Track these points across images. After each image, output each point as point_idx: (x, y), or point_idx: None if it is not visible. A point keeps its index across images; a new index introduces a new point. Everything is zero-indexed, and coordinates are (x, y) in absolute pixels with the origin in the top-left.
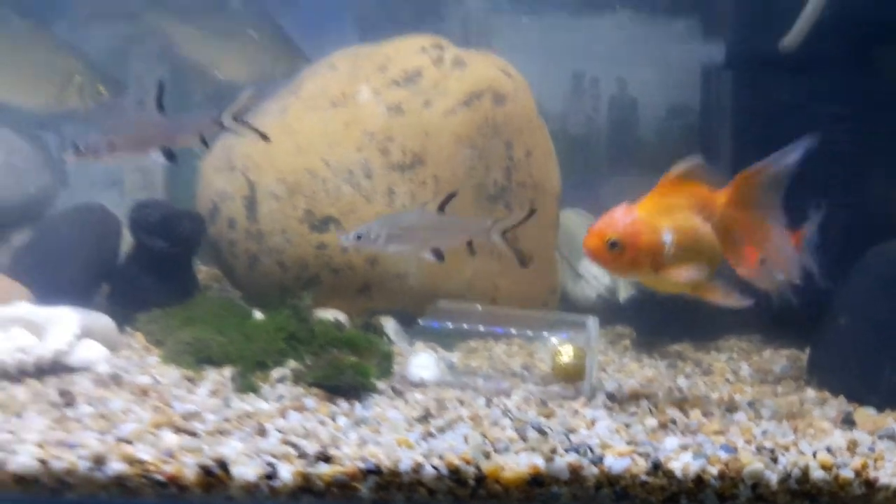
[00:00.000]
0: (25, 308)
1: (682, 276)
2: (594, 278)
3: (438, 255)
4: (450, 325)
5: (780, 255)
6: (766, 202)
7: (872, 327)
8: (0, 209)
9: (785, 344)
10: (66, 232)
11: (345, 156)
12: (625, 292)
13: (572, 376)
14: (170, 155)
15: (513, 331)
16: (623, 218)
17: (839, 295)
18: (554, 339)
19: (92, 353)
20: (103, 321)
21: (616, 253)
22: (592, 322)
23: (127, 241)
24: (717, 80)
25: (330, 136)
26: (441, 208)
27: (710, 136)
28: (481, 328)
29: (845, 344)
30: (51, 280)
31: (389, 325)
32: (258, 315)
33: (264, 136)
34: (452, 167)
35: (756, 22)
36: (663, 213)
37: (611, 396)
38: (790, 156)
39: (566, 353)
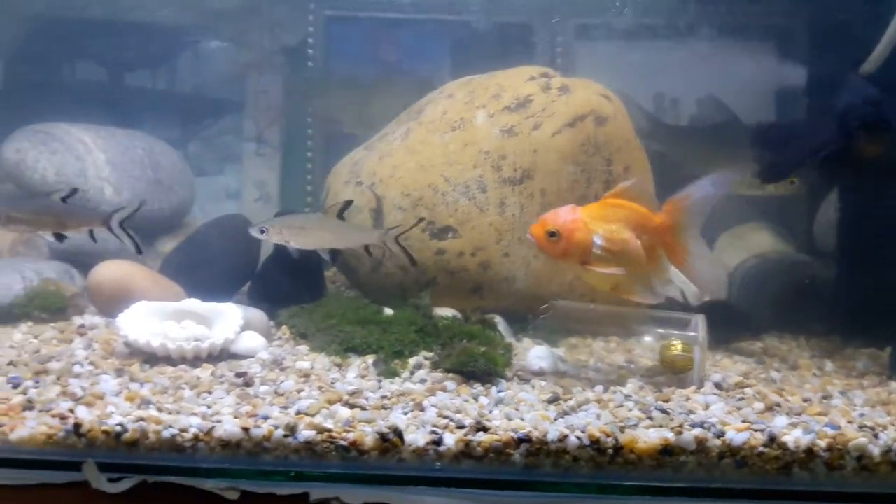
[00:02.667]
0: (194, 303)
1: (602, 272)
2: (682, 284)
3: (334, 256)
4: (572, 322)
5: (696, 274)
6: (691, 226)
7: None
8: (151, 220)
9: (864, 343)
10: (217, 238)
11: (462, 172)
12: (693, 298)
13: (679, 368)
14: (60, 237)
15: (633, 327)
16: (566, 215)
17: None
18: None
19: (253, 342)
20: (259, 315)
21: (553, 241)
22: (700, 318)
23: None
24: (794, 103)
25: (449, 155)
26: (339, 215)
27: (783, 155)
28: (603, 327)
29: None
30: (200, 280)
31: (499, 322)
32: (387, 311)
33: (138, 249)
34: (557, 181)
35: (835, 46)
36: (599, 220)
37: (717, 385)
38: (711, 187)
39: (675, 347)
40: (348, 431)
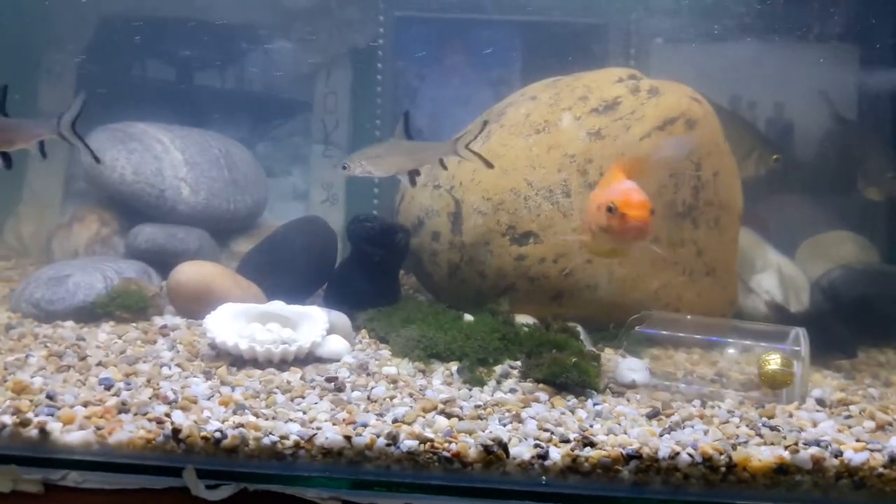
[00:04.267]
0: (279, 305)
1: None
2: (765, 293)
3: (412, 177)
4: (664, 332)
5: None
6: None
7: None
8: (226, 219)
9: None
10: (295, 240)
11: (546, 176)
12: (796, 304)
13: (778, 384)
14: (6, 157)
15: (733, 340)
16: (626, 187)
17: None
18: (777, 350)
19: (338, 346)
20: (342, 319)
21: (614, 218)
22: (801, 332)
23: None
24: (876, 105)
25: (533, 158)
26: (408, 134)
27: (867, 158)
28: (707, 338)
29: None
30: (278, 281)
31: (580, 331)
32: (468, 317)
33: (96, 158)
34: (645, 186)
35: None
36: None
37: (819, 402)
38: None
39: (774, 361)
40: (450, 442)
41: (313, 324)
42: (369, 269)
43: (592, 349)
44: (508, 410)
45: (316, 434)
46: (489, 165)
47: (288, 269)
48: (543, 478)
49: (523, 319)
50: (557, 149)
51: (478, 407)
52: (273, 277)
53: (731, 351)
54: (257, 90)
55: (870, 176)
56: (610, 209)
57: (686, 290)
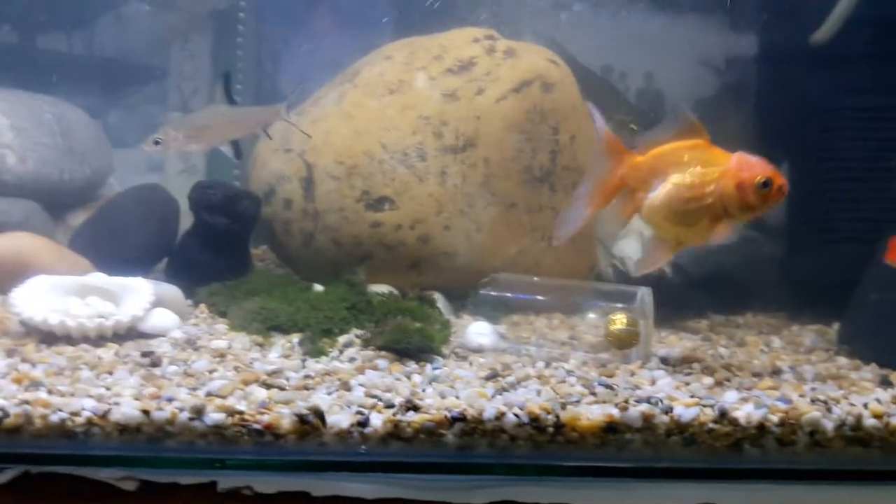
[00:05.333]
0: (101, 278)
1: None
2: (627, 259)
3: (237, 149)
4: (509, 294)
5: None
6: None
7: None
8: (61, 191)
9: (810, 320)
10: (129, 209)
11: (401, 139)
12: (635, 269)
13: (625, 344)
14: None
15: (576, 300)
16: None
17: (869, 271)
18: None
19: (165, 320)
20: (173, 291)
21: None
22: (646, 291)
23: (185, 220)
24: (744, 74)
25: (387, 120)
26: (229, 99)
27: (734, 127)
28: (547, 299)
29: (876, 317)
30: (111, 255)
31: (438, 299)
32: (318, 288)
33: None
34: (502, 150)
35: (788, 16)
36: None
37: (664, 360)
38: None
39: (620, 321)
40: (263, 413)
41: (137, 297)
42: (213, 240)
43: (453, 316)
44: (339, 379)
45: (111, 409)
46: (307, 135)
47: (124, 242)
48: (363, 446)
49: (380, 289)
50: (412, 110)
51: (308, 377)
52: (107, 251)
53: (591, 315)
54: (109, 55)
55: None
56: (766, 184)
57: (544, 256)
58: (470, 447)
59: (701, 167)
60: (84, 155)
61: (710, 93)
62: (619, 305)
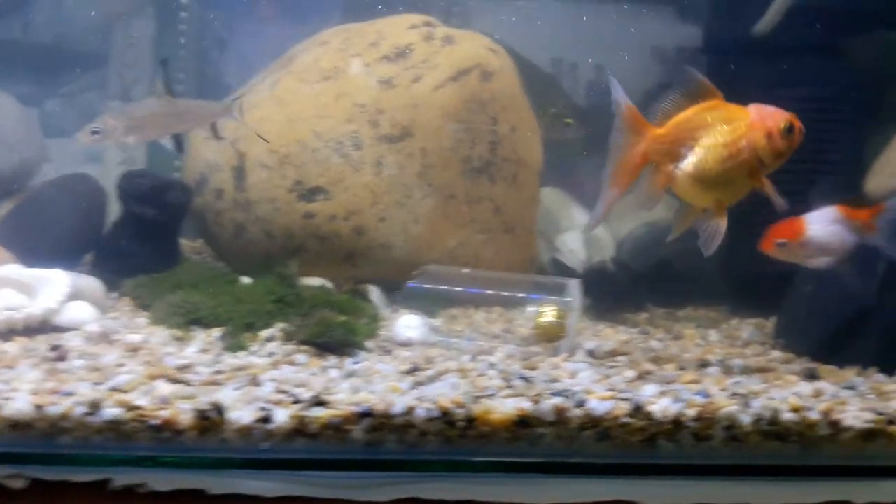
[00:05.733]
0: (15, 269)
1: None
2: (570, 252)
3: (179, 142)
4: (440, 287)
5: None
6: None
7: (837, 293)
8: None
9: (751, 313)
10: (54, 200)
11: (335, 127)
12: (580, 264)
13: (554, 336)
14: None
15: (502, 292)
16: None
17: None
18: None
19: (81, 313)
20: (92, 283)
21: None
22: (574, 283)
23: (113, 210)
24: (690, 65)
25: (321, 108)
26: (169, 89)
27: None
28: (469, 290)
29: (811, 310)
30: (36, 247)
31: (373, 292)
32: (246, 280)
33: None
34: (439, 140)
35: (730, 7)
36: None
37: (590, 353)
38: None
39: (548, 313)
40: (162, 409)
41: (52, 289)
42: (141, 230)
43: (388, 310)
44: (251, 374)
45: (3, 405)
46: (264, 140)
47: (48, 233)
48: (267, 443)
49: (313, 282)
50: (347, 97)
51: (218, 373)
52: (32, 243)
53: (530, 309)
54: (45, 41)
55: None
56: (790, 129)
57: (484, 249)
58: (378, 443)
59: (725, 125)
60: (13, 144)
61: (654, 84)
62: (548, 297)
